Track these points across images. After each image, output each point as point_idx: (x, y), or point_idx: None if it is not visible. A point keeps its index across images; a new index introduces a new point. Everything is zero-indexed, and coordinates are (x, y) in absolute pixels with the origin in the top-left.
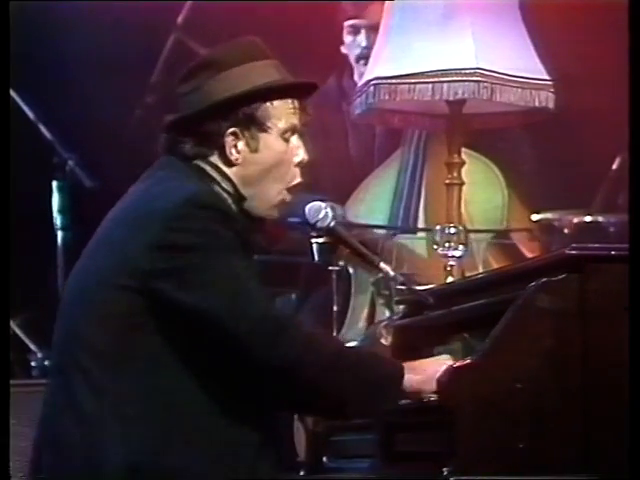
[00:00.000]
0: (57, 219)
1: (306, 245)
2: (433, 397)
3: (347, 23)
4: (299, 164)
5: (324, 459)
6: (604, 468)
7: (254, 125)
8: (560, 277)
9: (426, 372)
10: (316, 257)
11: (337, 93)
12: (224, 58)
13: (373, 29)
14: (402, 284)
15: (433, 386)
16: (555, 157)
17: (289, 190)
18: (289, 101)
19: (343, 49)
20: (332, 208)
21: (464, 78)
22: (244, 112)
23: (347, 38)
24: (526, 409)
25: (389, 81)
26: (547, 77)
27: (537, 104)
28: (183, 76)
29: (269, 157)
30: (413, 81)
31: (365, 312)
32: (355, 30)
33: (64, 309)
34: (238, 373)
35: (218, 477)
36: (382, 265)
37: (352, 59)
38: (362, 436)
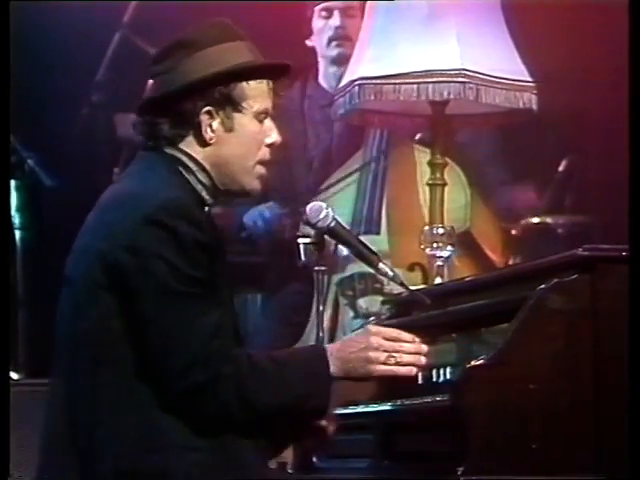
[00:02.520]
0: (15, 218)
1: (258, 245)
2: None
3: (319, 7)
4: (271, 145)
5: (314, 459)
6: (616, 469)
7: (229, 105)
8: (572, 278)
9: (351, 357)
10: (302, 257)
11: (297, 94)
12: (199, 38)
13: (346, 12)
14: (401, 284)
15: (365, 364)
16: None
17: (262, 164)
18: (264, 82)
19: (309, 42)
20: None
21: (449, 79)
22: (220, 91)
23: (318, 23)
24: (539, 409)
25: (374, 81)
26: (529, 78)
27: (521, 105)
28: (156, 56)
29: (243, 137)
30: (398, 82)
31: (329, 313)
32: (328, 13)
33: (61, 309)
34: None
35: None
36: (381, 265)
37: (322, 44)
38: (353, 436)
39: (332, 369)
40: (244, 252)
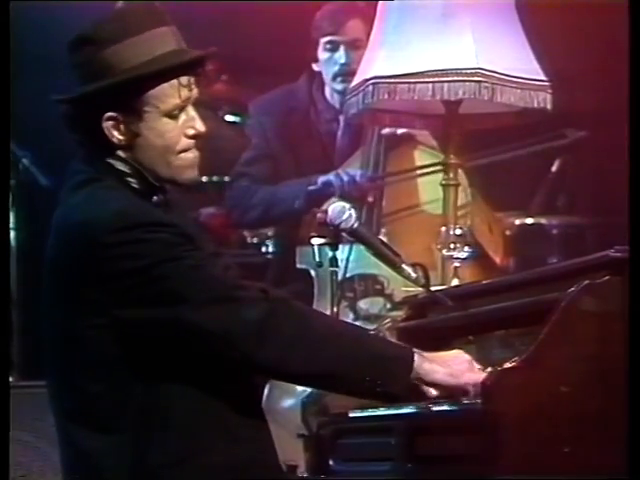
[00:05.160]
0: (10, 218)
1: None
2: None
3: (324, 39)
4: (193, 136)
5: (330, 462)
6: None
7: (130, 112)
8: (604, 279)
9: (451, 366)
10: (316, 258)
11: (306, 97)
12: (102, 34)
13: (352, 45)
14: (423, 286)
15: (461, 381)
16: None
17: (187, 151)
18: (171, 82)
19: (315, 67)
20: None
21: (465, 78)
22: (117, 99)
23: (323, 55)
24: (571, 413)
25: (388, 80)
26: (544, 78)
27: (535, 105)
28: (69, 46)
29: (153, 138)
30: (413, 81)
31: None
32: (333, 46)
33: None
34: (226, 369)
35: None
36: (404, 266)
37: (327, 76)
38: (371, 439)
39: (418, 360)
40: (245, 254)
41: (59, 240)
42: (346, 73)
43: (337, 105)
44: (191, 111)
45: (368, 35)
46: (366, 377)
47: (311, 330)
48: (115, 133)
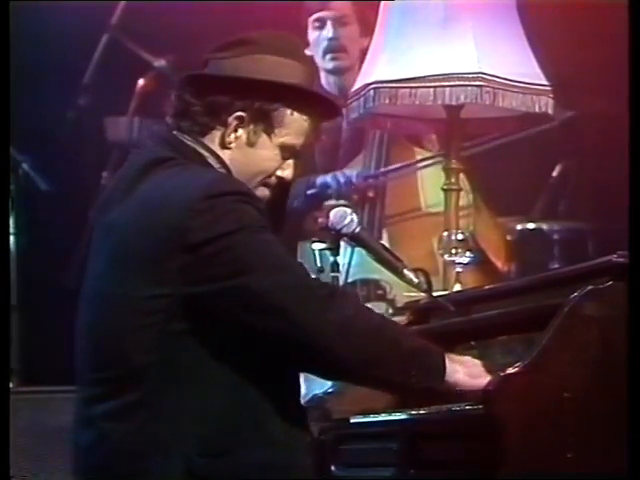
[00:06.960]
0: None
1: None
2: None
3: (312, 18)
4: (279, 179)
5: (332, 468)
6: None
7: (263, 122)
8: (607, 285)
9: (469, 367)
10: (318, 263)
11: None
12: (264, 42)
13: (339, 21)
14: (425, 291)
15: (477, 383)
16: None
17: (267, 187)
18: (305, 118)
19: (308, 51)
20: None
21: (466, 83)
22: (261, 105)
23: (312, 34)
24: (574, 418)
25: (390, 85)
26: (546, 82)
27: (537, 109)
28: (218, 46)
29: (258, 158)
30: (414, 85)
31: None
32: (321, 23)
33: (88, 324)
34: (286, 352)
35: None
36: (406, 272)
37: (318, 57)
38: (373, 445)
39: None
40: None
41: (141, 209)
42: (335, 49)
43: (334, 90)
44: (293, 159)
45: (355, 12)
46: (412, 371)
47: (369, 318)
48: (232, 132)
